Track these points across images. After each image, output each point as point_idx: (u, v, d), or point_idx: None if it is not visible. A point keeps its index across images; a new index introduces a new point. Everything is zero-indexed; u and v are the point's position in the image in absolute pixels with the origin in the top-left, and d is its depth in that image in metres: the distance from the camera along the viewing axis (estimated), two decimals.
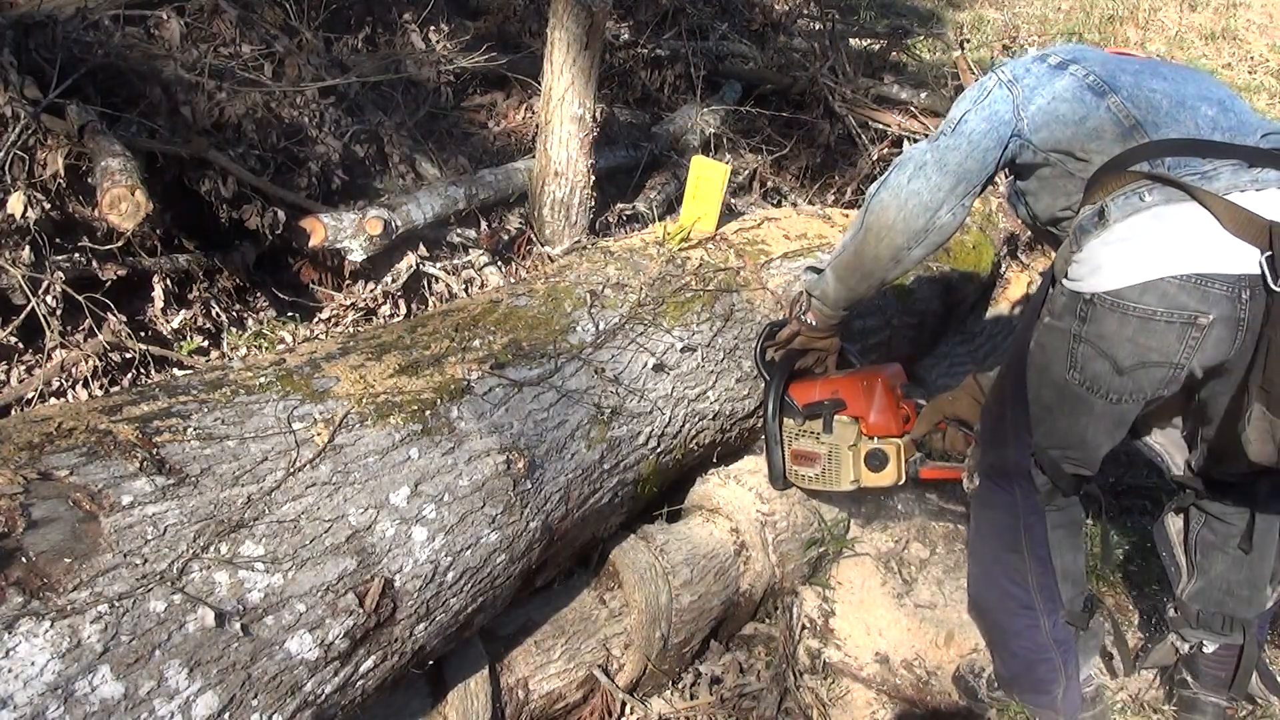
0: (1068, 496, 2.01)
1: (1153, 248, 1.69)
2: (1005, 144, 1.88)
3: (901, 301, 2.93)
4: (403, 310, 3.21)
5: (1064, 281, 1.80)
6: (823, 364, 2.44)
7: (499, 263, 3.47)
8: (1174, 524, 2.12)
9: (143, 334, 2.75)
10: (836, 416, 2.32)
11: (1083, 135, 1.80)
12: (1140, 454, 3.26)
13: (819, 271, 2.25)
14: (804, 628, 2.42)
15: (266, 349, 2.90)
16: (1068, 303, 1.79)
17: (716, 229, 2.77)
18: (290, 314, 3.10)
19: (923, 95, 5.18)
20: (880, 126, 4.96)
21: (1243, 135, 1.73)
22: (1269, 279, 1.60)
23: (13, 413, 2.41)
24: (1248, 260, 1.63)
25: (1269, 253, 1.61)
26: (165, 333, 2.81)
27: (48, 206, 2.56)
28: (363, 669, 1.52)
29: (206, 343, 2.88)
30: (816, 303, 2.26)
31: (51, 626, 1.20)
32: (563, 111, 3.33)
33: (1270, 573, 2.00)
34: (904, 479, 2.32)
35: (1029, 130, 1.86)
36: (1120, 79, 1.81)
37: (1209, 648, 2.07)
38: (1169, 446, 2.04)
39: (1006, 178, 2.08)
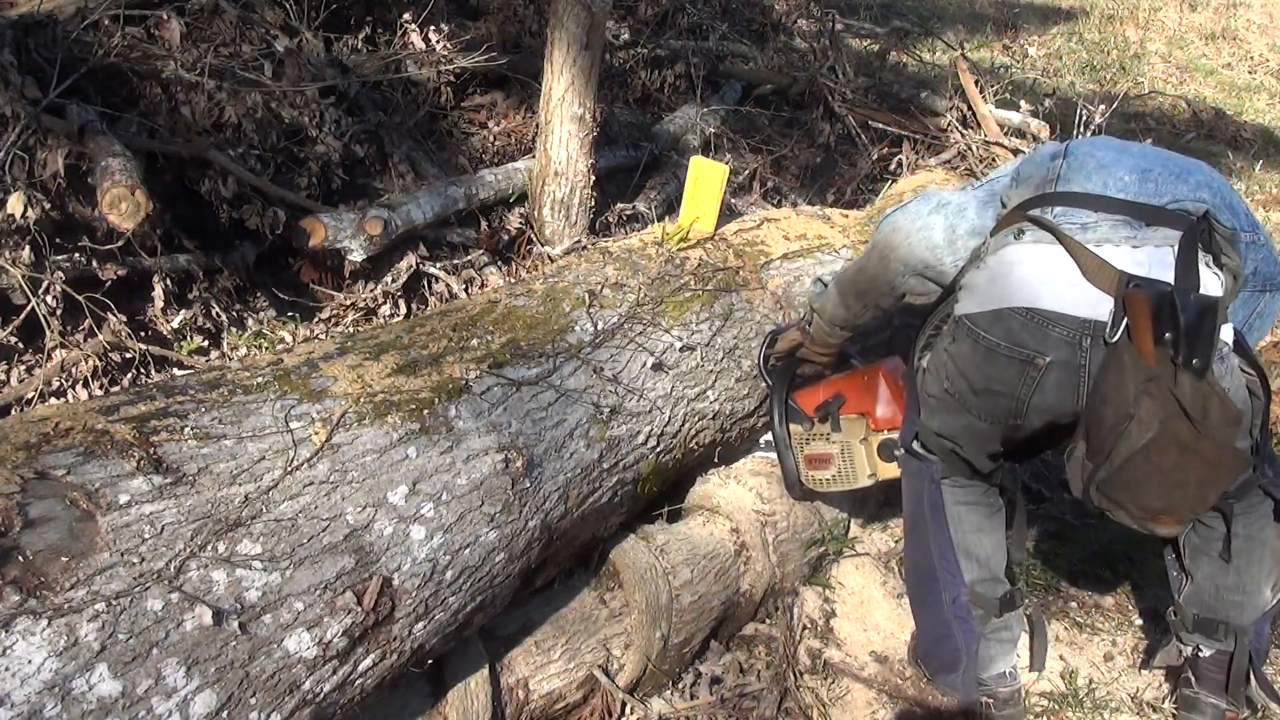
0: (970, 479, 2.08)
1: (1007, 280, 1.77)
2: None
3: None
4: (403, 310, 3.21)
5: (953, 304, 1.92)
6: (818, 371, 2.45)
7: (499, 263, 3.47)
8: None
9: (143, 334, 2.75)
10: (842, 414, 2.32)
11: (1021, 189, 1.88)
12: None
13: (824, 284, 2.28)
14: (804, 628, 2.42)
15: (266, 349, 2.90)
16: (947, 321, 1.92)
17: (715, 229, 2.77)
18: (290, 314, 3.10)
19: (923, 95, 5.18)
20: (880, 126, 4.96)
21: (1146, 195, 1.76)
22: (1108, 329, 1.65)
23: (13, 412, 2.41)
24: (1098, 308, 1.68)
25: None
26: (165, 333, 2.81)
27: (48, 206, 2.56)
28: (361, 668, 1.52)
29: (206, 343, 2.88)
30: (816, 317, 2.31)
31: (49, 625, 1.20)
32: (563, 111, 3.33)
33: (1263, 578, 2.00)
34: None
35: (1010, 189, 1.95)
36: (1082, 148, 1.87)
37: (1205, 652, 2.08)
38: None
39: None
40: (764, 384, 2.49)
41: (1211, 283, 1.72)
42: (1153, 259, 1.69)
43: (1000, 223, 1.87)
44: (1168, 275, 1.67)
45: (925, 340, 2.05)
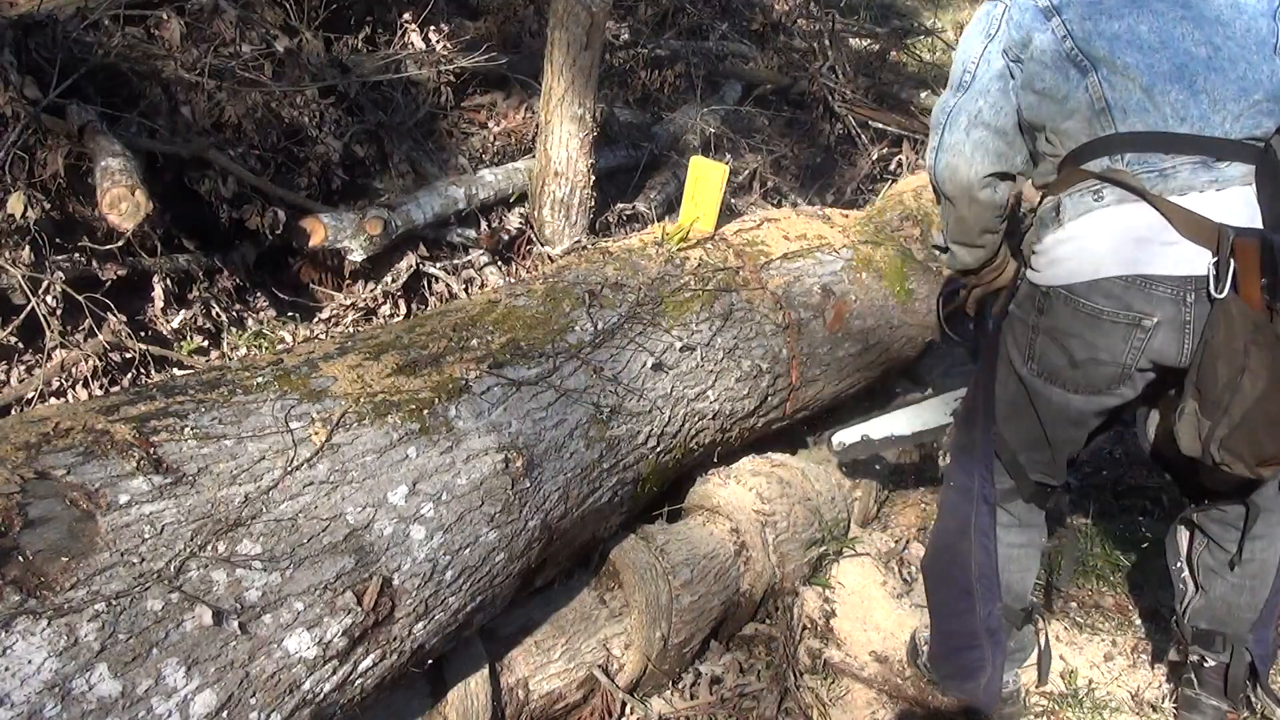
0: (1028, 504, 2.04)
1: (1101, 248, 1.71)
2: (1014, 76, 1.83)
3: (901, 302, 2.93)
4: (403, 310, 3.21)
5: (1027, 273, 1.83)
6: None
7: (499, 263, 3.47)
8: (1183, 537, 2.11)
9: (143, 334, 2.75)
10: None
11: (1061, 114, 1.76)
12: (1141, 454, 3.26)
13: (944, 249, 2.17)
14: (804, 628, 2.42)
15: (266, 349, 2.90)
16: (1028, 293, 1.82)
17: (715, 229, 2.77)
18: (290, 314, 3.10)
19: (923, 95, 5.18)
20: (880, 126, 4.96)
21: (1211, 123, 1.69)
22: (1212, 284, 1.61)
23: (13, 412, 2.41)
24: (1196, 263, 1.64)
25: (1216, 257, 1.61)
26: (165, 333, 2.81)
27: (48, 206, 2.57)
28: (361, 668, 1.52)
29: (206, 343, 2.88)
30: (965, 272, 2.18)
31: (49, 625, 1.20)
32: (563, 111, 3.33)
33: (1275, 597, 1.99)
34: None
35: (1019, 85, 1.80)
36: (1096, 46, 1.72)
37: (1209, 663, 2.08)
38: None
39: None
40: (958, 344, 2.39)
41: None
42: (1239, 201, 1.66)
43: (1066, 177, 1.76)
44: (1256, 218, 1.65)
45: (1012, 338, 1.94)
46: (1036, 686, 2.25)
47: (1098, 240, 1.71)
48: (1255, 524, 1.94)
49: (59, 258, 2.58)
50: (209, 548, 1.38)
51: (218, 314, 2.92)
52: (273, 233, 2.97)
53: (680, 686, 2.21)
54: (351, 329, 3.07)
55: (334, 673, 1.47)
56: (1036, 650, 2.24)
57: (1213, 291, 1.61)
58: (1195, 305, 1.65)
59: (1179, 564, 2.10)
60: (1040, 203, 1.83)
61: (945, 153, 1.89)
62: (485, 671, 1.86)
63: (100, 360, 2.60)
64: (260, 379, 1.69)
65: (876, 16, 6.99)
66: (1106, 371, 1.76)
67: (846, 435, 2.58)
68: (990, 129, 1.83)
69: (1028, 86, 1.78)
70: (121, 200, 2.40)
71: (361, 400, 1.72)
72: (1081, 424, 1.89)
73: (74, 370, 2.57)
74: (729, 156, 4.29)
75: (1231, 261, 1.60)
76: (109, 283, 2.64)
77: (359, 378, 1.78)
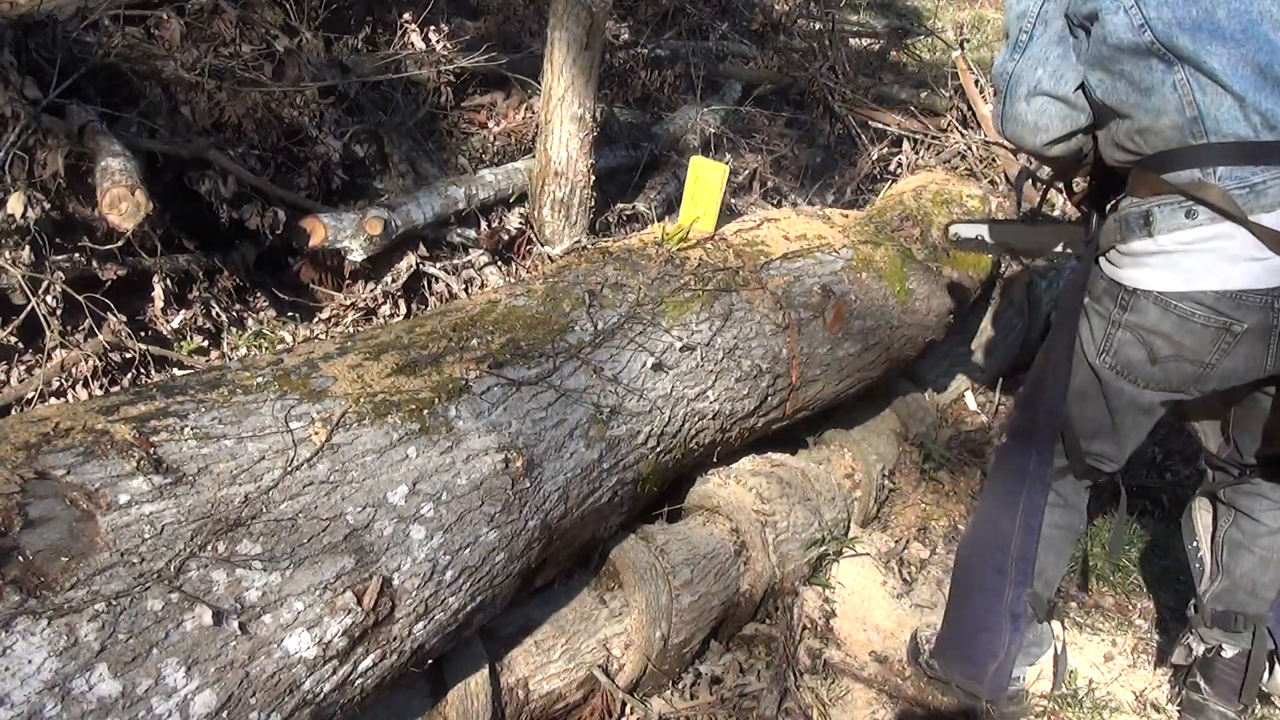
0: (1078, 481, 2.04)
1: (1195, 265, 1.70)
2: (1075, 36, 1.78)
3: (901, 302, 2.93)
4: (403, 310, 3.21)
5: (1105, 267, 1.81)
6: None
7: (499, 263, 3.47)
8: (1202, 517, 2.11)
9: (143, 334, 2.75)
10: None
11: (1146, 109, 1.69)
12: (1141, 454, 3.27)
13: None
14: (804, 628, 2.42)
15: (266, 349, 2.90)
16: (1108, 288, 1.81)
17: (715, 229, 2.77)
18: (290, 314, 3.10)
19: (923, 95, 5.18)
20: (880, 126, 4.96)
21: None
22: None
23: (13, 412, 2.41)
24: None
25: None
26: (165, 333, 2.81)
27: (48, 206, 2.56)
28: (361, 668, 1.52)
29: (206, 343, 2.88)
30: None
31: (49, 625, 1.20)
32: (563, 111, 3.33)
33: None
34: None
35: (1087, 61, 1.75)
36: (1179, 41, 1.62)
37: (1228, 653, 2.06)
38: (1207, 427, 2.07)
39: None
40: None
41: None
42: None
43: (1152, 183, 1.73)
44: None
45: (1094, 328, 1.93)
46: (1050, 692, 2.24)
47: (1192, 258, 1.71)
48: None
49: (59, 258, 2.58)
50: (209, 548, 1.38)
51: (218, 314, 2.92)
52: (273, 233, 2.97)
53: (680, 686, 2.21)
54: (351, 329, 3.07)
55: (334, 673, 1.47)
56: (1053, 654, 2.23)
57: None
58: None
59: (1195, 543, 2.09)
60: (1121, 199, 1.81)
61: (1009, 122, 1.87)
62: (485, 671, 1.86)
63: (100, 360, 2.60)
64: (260, 379, 1.69)
65: (876, 16, 6.99)
66: (1187, 371, 1.77)
67: (964, 229, 2.73)
68: (1051, 97, 1.80)
69: (1099, 64, 1.72)
70: (121, 200, 2.40)
71: (361, 400, 1.72)
72: (1152, 413, 1.90)
73: (74, 370, 2.57)
74: (729, 156, 4.29)
75: None
76: (109, 283, 2.64)
77: (359, 378, 1.78)
